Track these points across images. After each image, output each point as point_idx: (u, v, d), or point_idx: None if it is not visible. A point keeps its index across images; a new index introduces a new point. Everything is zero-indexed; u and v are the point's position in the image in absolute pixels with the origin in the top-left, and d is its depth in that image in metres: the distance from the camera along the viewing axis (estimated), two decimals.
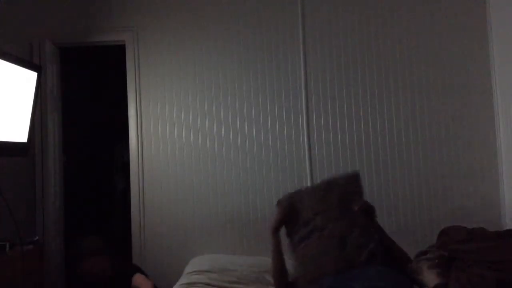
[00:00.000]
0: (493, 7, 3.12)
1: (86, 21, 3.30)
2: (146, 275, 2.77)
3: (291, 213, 2.31)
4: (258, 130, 3.23)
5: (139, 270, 2.80)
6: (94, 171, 4.75)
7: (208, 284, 2.50)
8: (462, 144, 3.15)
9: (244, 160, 3.21)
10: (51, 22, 3.29)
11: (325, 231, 2.21)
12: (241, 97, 3.25)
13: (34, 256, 2.62)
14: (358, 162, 3.17)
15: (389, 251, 2.19)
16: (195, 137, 3.25)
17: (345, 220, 2.24)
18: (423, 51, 3.20)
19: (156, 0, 3.31)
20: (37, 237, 2.79)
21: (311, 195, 2.37)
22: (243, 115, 3.24)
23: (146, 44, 3.29)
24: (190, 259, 3.00)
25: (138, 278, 2.66)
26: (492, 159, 3.12)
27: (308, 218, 2.28)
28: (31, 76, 2.52)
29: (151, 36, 3.29)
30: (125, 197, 4.36)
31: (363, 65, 3.21)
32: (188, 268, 2.82)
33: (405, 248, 2.60)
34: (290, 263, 2.32)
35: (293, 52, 3.24)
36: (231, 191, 3.21)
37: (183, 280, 2.60)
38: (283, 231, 2.33)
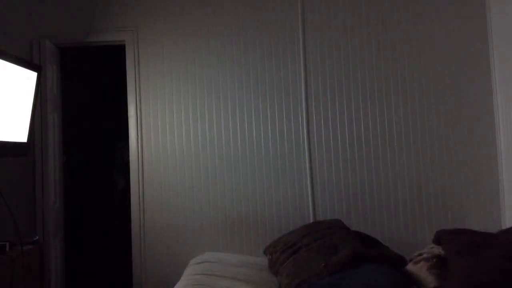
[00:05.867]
0: (493, 7, 3.12)
1: (86, 21, 3.30)
2: None
3: None
4: (258, 130, 3.23)
5: None
6: (94, 171, 4.75)
7: (208, 284, 2.50)
8: (462, 144, 3.15)
9: (244, 160, 3.21)
10: (51, 22, 3.28)
11: (313, 245, 2.46)
12: (241, 97, 3.25)
13: (34, 256, 2.62)
14: (358, 162, 3.17)
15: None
16: (195, 137, 3.25)
17: (335, 234, 2.51)
18: (423, 51, 3.20)
19: (156, 0, 3.31)
20: (37, 237, 2.79)
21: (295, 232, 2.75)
22: (243, 115, 3.24)
23: (146, 44, 3.29)
24: (190, 259, 3.00)
25: None
26: (492, 159, 3.12)
27: (294, 241, 2.57)
28: (31, 76, 2.52)
29: (151, 36, 3.29)
30: (125, 196, 4.37)
31: (363, 65, 3.21)
32: (188, 268, 2.82)
33: (404, 247, 2.60)
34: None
35: (293, 52, 3.24)
36: (231, 190, 3.21)
37: (183, 280, 2.59)
38: None
